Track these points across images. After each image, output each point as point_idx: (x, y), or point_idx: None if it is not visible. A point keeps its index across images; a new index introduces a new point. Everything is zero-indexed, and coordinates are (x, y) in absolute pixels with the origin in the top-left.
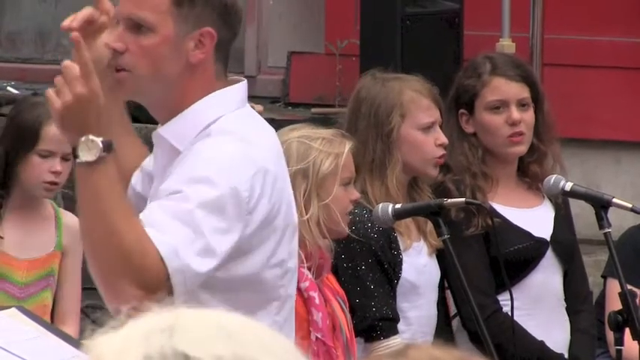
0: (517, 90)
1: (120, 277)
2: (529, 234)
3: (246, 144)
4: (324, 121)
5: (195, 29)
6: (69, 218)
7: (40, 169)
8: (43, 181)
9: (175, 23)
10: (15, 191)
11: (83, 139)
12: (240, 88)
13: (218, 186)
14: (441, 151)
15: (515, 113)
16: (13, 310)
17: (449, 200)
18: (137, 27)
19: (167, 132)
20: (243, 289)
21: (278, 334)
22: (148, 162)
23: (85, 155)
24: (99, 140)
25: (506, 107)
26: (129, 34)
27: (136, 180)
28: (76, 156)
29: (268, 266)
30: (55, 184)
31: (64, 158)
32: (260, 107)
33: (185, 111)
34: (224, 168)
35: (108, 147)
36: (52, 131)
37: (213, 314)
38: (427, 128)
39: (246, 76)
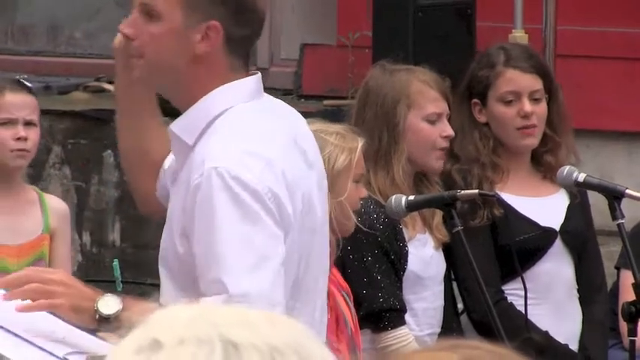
0: (530, 82)
1: None
2: (536, 224)
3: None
4: (337, 114)
5: (202, 22)
6: (53, 201)
7: (4, 138)
8: (10, 149)
9: (183, 14)
10: None
11: (98, 303)
12: (251, 80)
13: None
14: (444, 143)
15: (527, 105)
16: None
17: (462, 192)
18: (149, 14)
19: (177, 127)
20: None
21: (270, 313)
22: (168, 161)
23: (109, 310)
24: (113, 297)
25: (518, 99)
26: (142, 20)
27: (163, 182)
28: (102, 317)
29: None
30: (25, 150)
31: (28, 123)
32: None
33: (194, 105)
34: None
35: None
36: (7, 99)
37: (193, 305)
38: (434, 119)
39: (258, 69)
